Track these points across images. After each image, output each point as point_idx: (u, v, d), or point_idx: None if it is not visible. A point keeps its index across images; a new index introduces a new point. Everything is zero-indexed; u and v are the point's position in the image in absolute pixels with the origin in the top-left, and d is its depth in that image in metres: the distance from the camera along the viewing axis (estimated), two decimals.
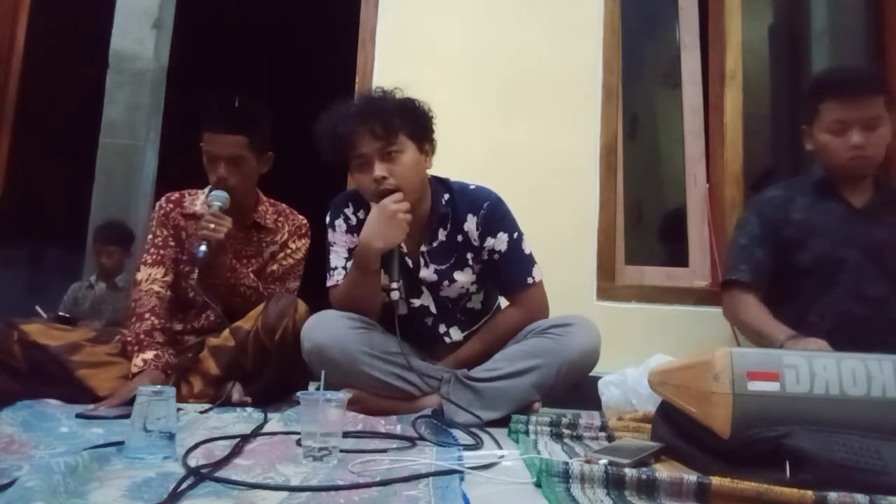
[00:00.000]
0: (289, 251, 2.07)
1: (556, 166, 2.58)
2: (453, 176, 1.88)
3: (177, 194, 2.06)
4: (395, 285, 1.66)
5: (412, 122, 1.71)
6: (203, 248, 1.77)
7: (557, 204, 2.55)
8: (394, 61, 2.64)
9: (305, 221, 2.13)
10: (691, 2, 2.86)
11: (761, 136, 3.37)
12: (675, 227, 2.99)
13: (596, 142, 2.60)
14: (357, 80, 2.67)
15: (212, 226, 1.79)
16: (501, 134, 2.60)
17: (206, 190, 2.00)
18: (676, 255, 2.89)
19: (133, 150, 4.48)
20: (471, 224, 1.80)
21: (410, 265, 1.81)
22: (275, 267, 2.04)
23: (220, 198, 1.86)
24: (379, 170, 1.67)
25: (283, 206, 2.14)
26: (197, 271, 1.89)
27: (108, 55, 4.49)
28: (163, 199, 2.05)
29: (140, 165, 4.47)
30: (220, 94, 1.91)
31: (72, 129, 4.99)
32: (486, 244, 1.80)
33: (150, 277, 1.92)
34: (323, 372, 1.28)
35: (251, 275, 1.96)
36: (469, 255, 1.82)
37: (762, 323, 1.83)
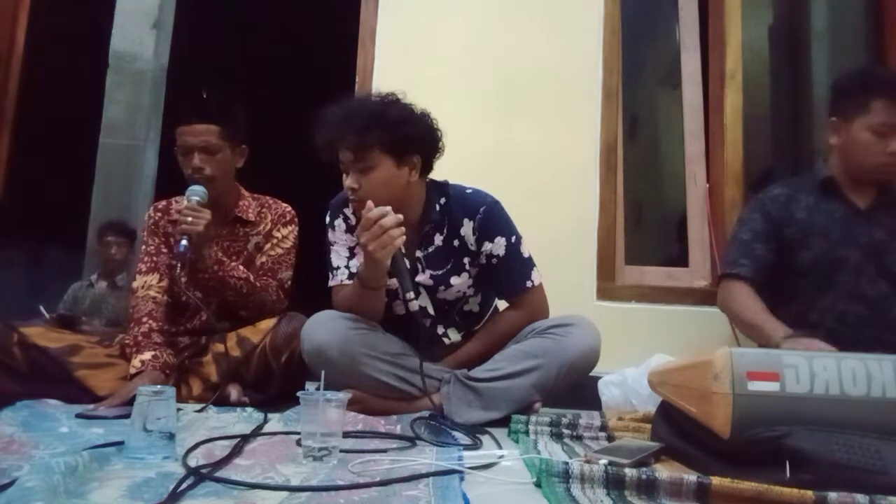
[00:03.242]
0: (275, 240, 2.04)
1: (556, 166, 2.58)
2: (452, 176, 1.88)
3: (164, 202, 2.05)
4: (410, 295, 1.60)
5: (390, 136, 1.66)
6: (184, 242, 1.75)
7: (557, 204, 2.55)
8: (394, 61, 2.64)
9: (290, 208, 2.10)
10: (691, 2, 2.86)
11: (761, 136, 3.36)
12: (675, 227, 2.99)
13: (596, 141, 2.60)
14: (357, 80, 2.67)
15: (189, 219, 1.77)
16: (501, 134, 2.60)
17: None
18: (676, 255, 2.89)
19: (133, 150, 4.48)
20: (467, 229, 1.79)
21: (408, 266, 1.80)
22: (264, 259, 2.02)
23: (197, 192, 1.84)
24: (349, 181, 1.68)
25: (267, 197, 2.11)
26: (185, 269, 1.88)
27: (108, 55, 4.49)
28: (150, 209, 2.06)
29: (140, 165, 4.47)
30: (188, 89, 1.91)
31: (72, 129, 4.99)
32: (483, 249, 1.79)
33: (146, 284, 1.93)
34: (323, 372, 1.28)
35: (240, 267, 1.94)
36: (466, 260, 1.81)
37: (760, 319, 1.80)
